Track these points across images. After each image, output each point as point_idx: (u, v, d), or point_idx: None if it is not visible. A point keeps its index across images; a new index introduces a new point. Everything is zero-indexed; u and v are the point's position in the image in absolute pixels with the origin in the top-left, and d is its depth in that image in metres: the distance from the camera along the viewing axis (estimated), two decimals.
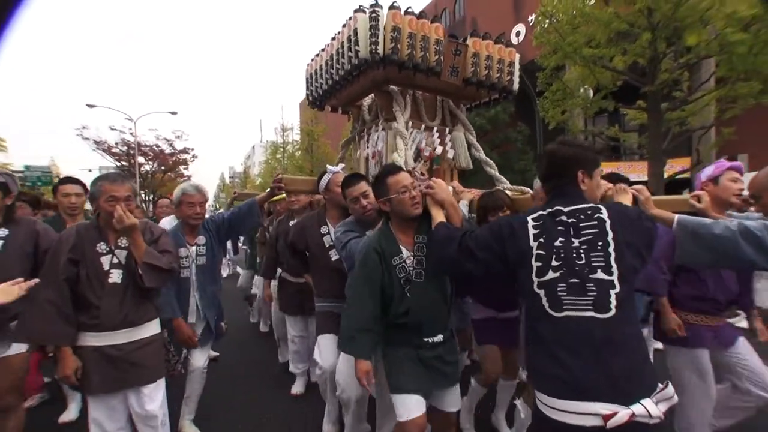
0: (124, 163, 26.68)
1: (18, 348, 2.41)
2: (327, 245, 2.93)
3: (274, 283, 4.07)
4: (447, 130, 3.84)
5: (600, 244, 1.53)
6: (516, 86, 3.82)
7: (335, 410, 3.01)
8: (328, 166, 2.95)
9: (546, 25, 10.39)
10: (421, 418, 2.05)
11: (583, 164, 1.69)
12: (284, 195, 3.79)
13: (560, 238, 1.57)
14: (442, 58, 3.28)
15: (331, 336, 2.82)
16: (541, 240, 1.60)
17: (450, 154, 3.82)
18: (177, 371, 2.70)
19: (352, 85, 3.58)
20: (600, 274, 1.50)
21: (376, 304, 2.08)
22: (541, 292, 1.55)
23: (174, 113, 27.02)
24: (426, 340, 2.10)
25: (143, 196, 27.31)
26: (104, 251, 2.25)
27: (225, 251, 6.60)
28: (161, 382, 2.37)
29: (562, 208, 1.63)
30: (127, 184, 2.26)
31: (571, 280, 1.51)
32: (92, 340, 2.19)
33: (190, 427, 3.10)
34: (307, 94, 4.22)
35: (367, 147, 3.94)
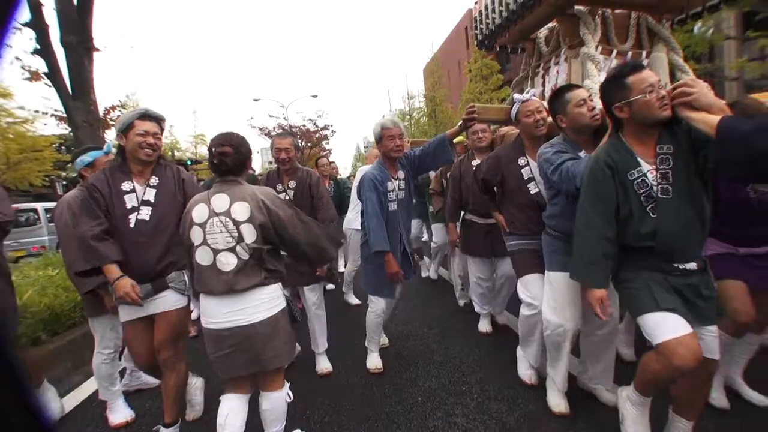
0: None
1: (177, 302, 2.14)
2: (526, 177, 2.53)
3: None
4: (644, 53, 3.11)
5: None
6: None
7: (538, 353, 2.56)
8: (515, 95, 2.51)
9: None
10: (691, 338, 1.54)
11: None
12: (463, 137, 3.46)
13: None
14: None
15: (537, 276, 2.44)
16: None
17: None
18: (335, 280, 3.15)
19: (528, 15, 3.08)
20: None
21: (610, 225, 1.69)
22: None
23: (315, 96, 28.84)
24: (676, 266, 1.64)
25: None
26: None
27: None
28: (316, 287, 2.94)
29: None
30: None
31: None
32: None
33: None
34: (476, 34, 3.81)
35: (545, 83, 3.42)
